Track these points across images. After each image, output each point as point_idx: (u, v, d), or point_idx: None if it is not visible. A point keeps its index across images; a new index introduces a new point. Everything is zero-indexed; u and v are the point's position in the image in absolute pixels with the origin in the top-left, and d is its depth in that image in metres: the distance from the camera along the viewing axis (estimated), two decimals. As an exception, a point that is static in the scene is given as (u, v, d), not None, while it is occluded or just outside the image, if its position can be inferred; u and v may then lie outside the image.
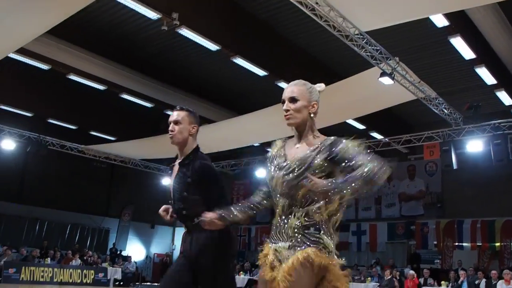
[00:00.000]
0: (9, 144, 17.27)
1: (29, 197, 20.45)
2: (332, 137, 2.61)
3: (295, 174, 2.52)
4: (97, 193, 22.86)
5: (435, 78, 14.28)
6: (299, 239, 2.47)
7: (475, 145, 14.87)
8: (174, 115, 3.30)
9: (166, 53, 14.77)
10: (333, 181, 2.41)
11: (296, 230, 2.50)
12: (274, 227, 2.62)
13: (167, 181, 3.01)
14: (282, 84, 14.41)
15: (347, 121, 15.91)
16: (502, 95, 15.32)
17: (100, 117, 18.96)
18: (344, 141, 2.57)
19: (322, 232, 2.50)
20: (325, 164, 2.53)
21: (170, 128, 3.28)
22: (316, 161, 2.52)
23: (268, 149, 2.77)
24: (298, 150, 2.61)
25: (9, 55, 12.60)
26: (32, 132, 17.52)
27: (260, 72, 13.78)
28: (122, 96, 16.63)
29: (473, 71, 13.79)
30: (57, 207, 21.06)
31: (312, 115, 2.66)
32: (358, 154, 2.52)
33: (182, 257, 3.25)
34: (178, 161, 3.32)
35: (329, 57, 14.51)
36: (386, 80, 11.10)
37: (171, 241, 25.80)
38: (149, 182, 23.11)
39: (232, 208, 2.76)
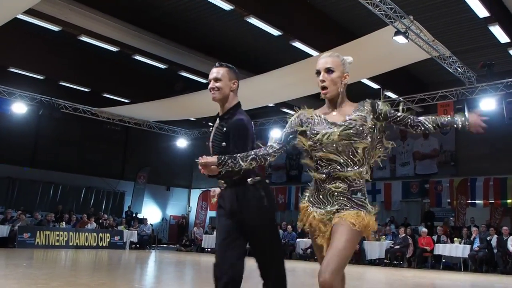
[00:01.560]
0: (21, 108, 17.26)
1: (43, 161, 20.52)
2: (367, 100, 2.72)
3: (352, 131, 2.59)
4: (111, 156, 22.98)
5: (449, 37, 14.09)
6: (347, 203, 2.59)
7: (488, 104, 14.79)
8: (213, 72, 3.28)
9: (179, 13, 14.59)
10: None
11: (343, 194, 2.60)
12: (315, 191, 2.70)
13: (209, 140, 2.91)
14: (297, 44, 14.26)
15: (362, 80, 15.79)
16: (516, 54, 15.11)
17: (113, 79, 18.83)
18: (377, 101, 2.73)
19: (366, 198, 2.66)
20: (376, 122, 2.68)
21: (210, 85, 3.28)
22: (369, 120, 2.65)
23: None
24: (339, 114, 2.67)
25: (18, 16, 12.46)
26: (44, 95, 17.47)
27: (275, 32, 13.62)
28: (135, 57, 16.49)
29: (487, 30, 13.58)
30: (71, 171, 21.16)
31: (343, 86, 2.73)
32: (394, 110, 2.73)
33: (224, 215, 3.20)
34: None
35: (343, 17, 14.30)
36: (400, 39, 11.00)
37: (187, 203, 26.08)
38: (164, 144, 23.15)
39: (237, 155, 2.74)
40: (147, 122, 20.79)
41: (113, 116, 19.48)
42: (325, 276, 2.38)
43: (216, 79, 3.24)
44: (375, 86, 17.05)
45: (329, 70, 2.70)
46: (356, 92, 16.28)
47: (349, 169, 2.60)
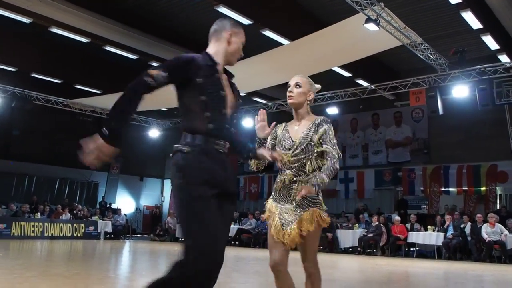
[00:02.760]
0: (-7, 101, 17.13)
1: (17, 153, 20.35)
2: (320, 117, 3.30)
3: (301, 150, 3.21)
4: (84, 146, 22.72)
5: (421, 24, 14.13)
6: (303, 202, 3.15)
7: (460, 91, 14.88)
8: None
9: (149, 3, 14.44)
10: (316, 183, 3.04)
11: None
12: (278, 190, 3.27)
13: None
14: (267, 33, 14.16)
15: (333, 68, 15.79)
16: (488, 40, 15.18)
17: (84, 71, 18.66)
18: (325, 124, 3.25)
19: (318, 195, 3.21)
20: (319, 141, 3.21)
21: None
22: (313, 140, 3.20)
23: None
24: (298, 130, 3.28)
25: (-12, 9, 12.30)
26: (16, 87, 17.36)
27: (245, 21, 13.47)
28: (106, 48, 16.30)
29: (459, 16, 13.61)
30: (45, 162, 21.03)
31: (308, 102, 3.36)
32: (330, 140, 3.21)
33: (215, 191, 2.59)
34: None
35: (314, 4, 14.25)
36: (371, 26, 10.96)
37: (160, 193, 25.97)
38: (136, 134, 23.09)
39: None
40: (119, 113, 20.64)
41: (85, 107, 19.43)
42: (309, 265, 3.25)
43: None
44: (347, 74, 17.11)
45: (297, 85, 3.35)
46: (328, 80, 16.40)
47: (300, 177, 3.19)
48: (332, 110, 18.88)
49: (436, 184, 17.82)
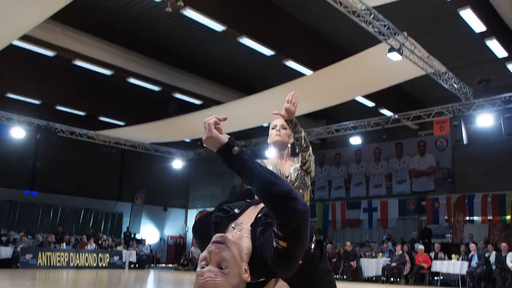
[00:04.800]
0: (19, 133, 17.52)
1: (42, 184, 20.65)
2: (297, 160, 3.45)
3: (300, 183, 3.37)
4: (108, 178, 23.03)
5: (445, 53, 13.88)
6: None
7: (485, 119, 14.76)
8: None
9: (171, 35, 14.67)
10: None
11: None
12: None
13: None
14: (290, 63, 14.26)
15: (356, 98, 15.85)
16: (513, 68, 15.06)
17: (108, 102, 18.92)
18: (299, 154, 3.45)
19: None
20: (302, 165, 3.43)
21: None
22: (299, 167, 3.41)
23: None
24: (286, 166, 3.42)
25: (13, 43, 12.64)
26: (41, 119, 17.71)
27: (267, 52, 13.64)
28: (129, 80, 16.47)
29: (484, 44, 13.25)
30: (70, 193, 21.30)
31: (289, 144, 3.49)
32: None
33: None
34: None
35: (336, 34, 14.31)
36: (395, 56, 11.01)
37: (184, 223, 26.01)
38: (160, 165, 23.40)
39: None
40: (142, 144, 21.01)
41: (109, 139, 19.74)
42: None
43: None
44: (370, 104, 17.11)
45: (283, 126, 3.46)
46: (351, 110, 16.45)
47: None
48: (355, 140, 18.86)
49: (460, 213, 17.53)
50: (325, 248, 2.29)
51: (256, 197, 2.17)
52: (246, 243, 1.87)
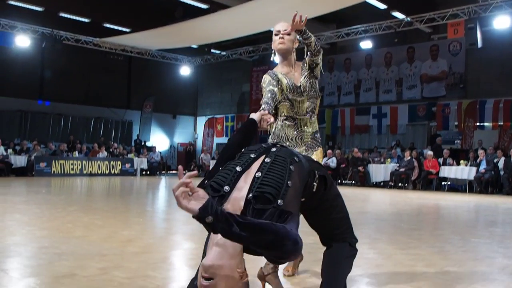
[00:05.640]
0: (24, 41, 17.30)
1: (51, 94, 20.70)
2: (303, 60, 3.28)
3: (314, 92, 3.28)
4: (117, 86, 22.96)
5: None
6: (310, 143, 3.30)
7: (502, 22, 14.30)
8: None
9: None
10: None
11: (310, 136, 3.30)
12: (289, 137, 3.26)
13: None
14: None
15: (367, 0, 15.26)
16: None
17: (112, 8, 18.41)
18: (305, 58, 3.27)
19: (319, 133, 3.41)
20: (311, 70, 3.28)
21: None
22: (308, 74, 3.26)
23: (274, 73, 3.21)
24: (297, 75, 3.27)
25: None
26: (45, 27, 17.33)
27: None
28: (134, -16, 16.00)
29: None
30: (79, 102, 21.40)
31: (294, 48, 3.28)
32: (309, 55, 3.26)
33: None
34: None
35: None
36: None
37: (193, 130, 26.23)
38: (167, 72, 23.24)
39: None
40: (149, 51, 20.74)
41: (115, 46, 19.46)
42: None
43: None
44: (382, 6, 16.50)
45: (286, 31, 3.19)
46: (362, 13, 15.91)
47: (313, 119, 3.31)
48: (366, 44, 18.41)
49: (471, 119, 17.43)
50: (329, 178, 2.25)
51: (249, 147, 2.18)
52: (234, 246, 1.79)
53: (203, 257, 1.91)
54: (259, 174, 1.94)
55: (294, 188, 1.93)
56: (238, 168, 1.98)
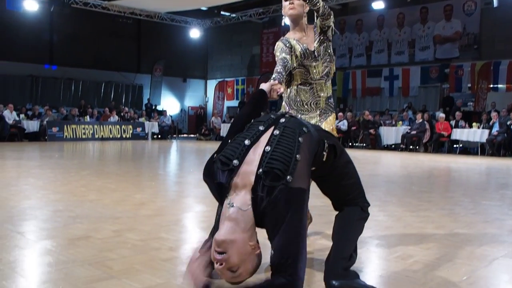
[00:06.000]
0: (32, 5, 17.18)
1: (60, 58, 20.69)
2: (314, 24, 3.23)
3: (328, 56, 3.26)
4: (126, 50, 22.88)
5: None
6: (325, 108, 3.30)
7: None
8: None
9: None
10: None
11: (324, 100, 3.29)
12: (304, 102, 3.27)
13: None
14: None
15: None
16: None
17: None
18: (316, 21, 3.22)
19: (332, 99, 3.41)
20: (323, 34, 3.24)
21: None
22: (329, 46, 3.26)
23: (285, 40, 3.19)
24: (309, 39, 3.24)
25: None
26: (52, -10, 17.24)
27: None
28: None
29: None
30: (89, 66, 21.34)
31: (305, 13, 3.23)
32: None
33: None
34: None
35: None
36: None
37: (204, 94, 26.19)
38: (177, 35, 23.08)
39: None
40: (158, 14, 20.53)
41: (124, 9, 19.28)
42: None
43: None
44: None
45: None
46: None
47: (327, 84, 3.29)
48: (378, 5, 18.11)
49: (484, 80, 17.19)
50: (339, 146, 2.27)
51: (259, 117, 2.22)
52: (246, 221, 1.88)
53: (213, 231, 1.98)
54: (268, 148, 1.96)
55: (303, 161, 1.95)
56: (247, 142, 2.00)
